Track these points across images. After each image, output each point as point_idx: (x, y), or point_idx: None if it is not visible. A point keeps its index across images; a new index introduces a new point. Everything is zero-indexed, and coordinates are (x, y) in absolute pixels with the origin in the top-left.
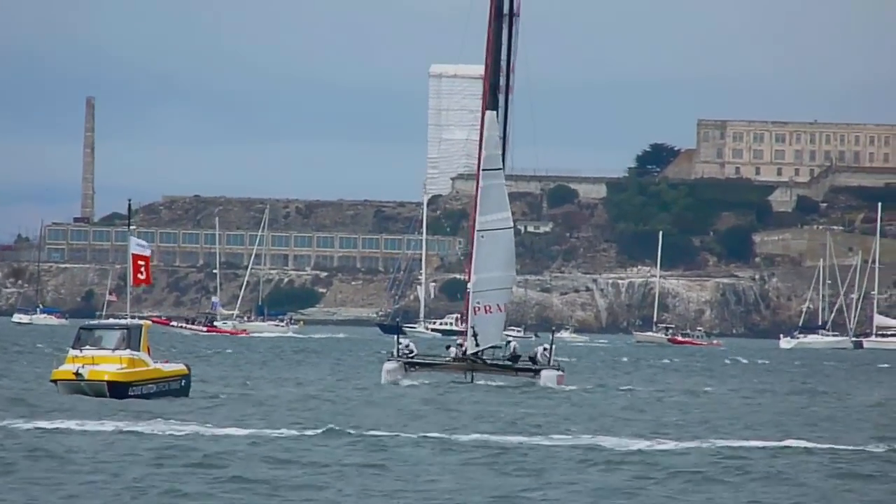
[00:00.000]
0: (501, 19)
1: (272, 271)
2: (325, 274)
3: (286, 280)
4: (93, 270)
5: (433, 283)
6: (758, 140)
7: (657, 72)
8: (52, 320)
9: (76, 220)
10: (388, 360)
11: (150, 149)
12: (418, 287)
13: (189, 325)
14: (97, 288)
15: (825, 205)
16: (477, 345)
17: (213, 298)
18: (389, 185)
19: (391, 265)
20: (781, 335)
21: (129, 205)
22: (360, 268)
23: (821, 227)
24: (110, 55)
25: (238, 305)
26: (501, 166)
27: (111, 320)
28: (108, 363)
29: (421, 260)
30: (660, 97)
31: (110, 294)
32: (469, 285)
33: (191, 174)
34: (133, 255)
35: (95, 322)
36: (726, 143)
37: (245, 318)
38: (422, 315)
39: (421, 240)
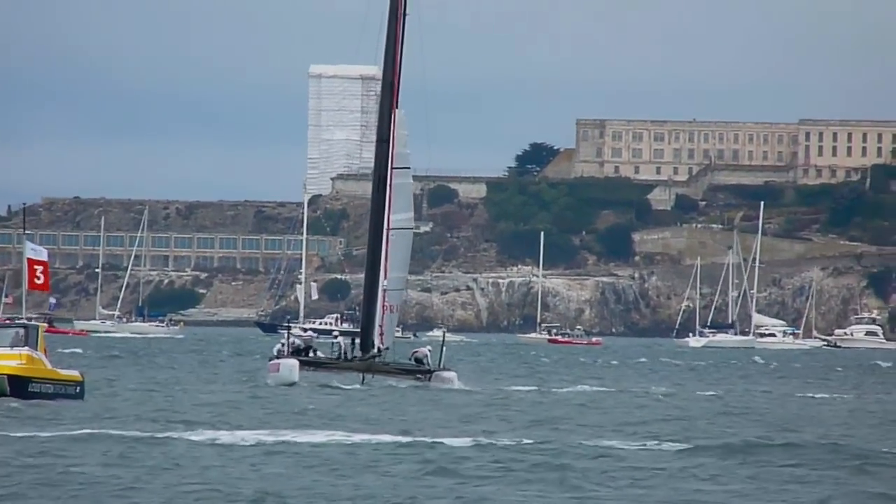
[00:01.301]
0: (399, 19)
1: (152, 272)
2: (205, 275)
3: (166, 281)
4: None
5: (314, 283)
6: (636, 139)
7: (536, 72)
8: None
9: None
10: (278, 356)
11: (28, 150)
12: (298, 287)
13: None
14: None
15: (704, 203)
16: (382, 344)
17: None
18: (270, 185)
19: (271, 265)
20: (690, 334)
21: (24, 209)
22: (241, 268)
23: (700, 225)
24: None
25: (118, 307)
26: (409, 165)
27: (6, 320)
28: (7, 359)
29: (301, 260)
30: (539, 97)
31: (6, 297)
32: (384, 282)
33: (70, 175)
34: (29, 259)
35: None
36: (605, 143)
37: (125, 320)
38: (301, 315)
39: (301, 240)
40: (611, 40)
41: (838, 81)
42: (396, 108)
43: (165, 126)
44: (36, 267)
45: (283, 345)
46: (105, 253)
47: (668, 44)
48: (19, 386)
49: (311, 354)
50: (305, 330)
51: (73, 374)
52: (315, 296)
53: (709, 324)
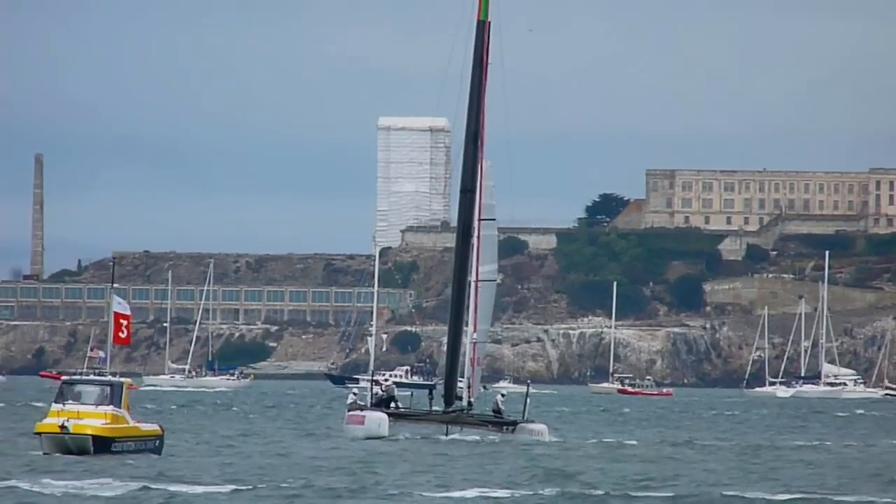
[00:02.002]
0: (482, 70)
1: (222, 326)
2: (275, 328)
3: (237, 334)
4: (43, 328)
5: (384, 336)
6: (707, 189)
7: (606, 123)
8: None
9: (25, 277)
10: (357, 407)
11: (99, 205)
12: (368, 339)
13: None
14: (47, 345)
15: (775, 253)
16: (471, 397)
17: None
18: (339, 238)
19: (341, 318)
20: (778, 384)
21: (113, 264)
22: (311, 321)
23: (771, 275)
24: (58, 111)
25: (189, 360)
26: (495, 217)
27: (92, 376)
28: (92, 418)
29: (371, 312)
30: (609, 148)
31: (92, 350)
32: (473, 335)
33: (140, 230)
34: (115, 313)
35: (77, 377)
36: (675, 193)
37: (193, 374)
38: (371, 367)
39: (371, 292)
40: (680, 90)
41: None
42: (483, 158)
43: (234, 179)
44: (121, 321)
45: (356, 395)
46: (175, 307)
47: (737, 93)
48: (102, 445)
49: (392, 405)
50: (387, 379)
51: (154, 428)
52: (385, 348)
53: (781, 374)
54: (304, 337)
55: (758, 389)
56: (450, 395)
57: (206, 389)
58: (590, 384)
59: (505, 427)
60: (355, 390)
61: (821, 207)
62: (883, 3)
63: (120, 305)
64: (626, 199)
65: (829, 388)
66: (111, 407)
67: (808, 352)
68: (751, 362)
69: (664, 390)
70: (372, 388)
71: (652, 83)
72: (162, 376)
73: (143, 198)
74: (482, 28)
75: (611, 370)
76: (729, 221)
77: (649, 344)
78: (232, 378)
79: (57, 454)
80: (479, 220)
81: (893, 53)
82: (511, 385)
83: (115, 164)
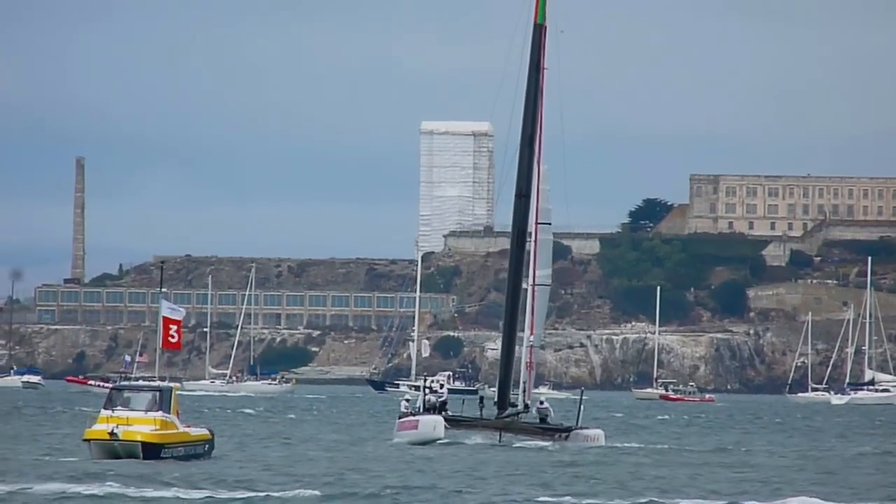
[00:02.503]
0: (538, 73)
1: (264, 330)
2: (317, 332)
3: (278, 339)
4: (84, 332)
5: (426, 341)
6: (751, 194)
7: (650, 127)
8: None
9: (66, 281)
10: (408, 412)
11: (140, 209)
12: (411, 345)
13: (105, 385)
14: (88, 349)
15: (819, 259)
16: (529, 401)
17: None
18: (381, 243)
19: (384, 323)
20: (831, 391)
21: (162, 269)
22: (353, 326)
23: (815, 281)
24: (100, 114)
25: (231, 365)
26: (551, 221)
27: (141, 382)
28: (142, 424)
29: (414, 317)
30: (652, 152)
31: (140, 356)
32: (530, 339)
33: (182, 234)
34: (164, 318)
35: (127, 383)
36: (719, 198)
37: (234, 379)
38: (413, 373)
39: (414, 297)
40: (724, 94)
41: None
42: (541, 162)
43: (276, 183)
44: (171, 326)
45: (408, 401)
46: (217, 311)
47: (781, 98)
48: (152, 452)
49: (444, 412)
50: (442, 385)
51: (203, 432)
52: (427, 353)
53: (826, 381)
54: (345, 342)
55: (800, 395)
56: (503, 401)
57: (248, 394)
58: (634, 390)
59: (558, 434)
60: (408, 396)
61: (865, 213)
62: None
63: (170, 310)
64: (669, 203)
65: (884, 393)
66: (160, 413)
67: (852, 358)
68: (794, 368)
69: (706, 396)
70: (424, 395)
71: (696, 86)
72: (203, 381)
73: (185, 202)
74: (539, 31)
75: (654, 376)
76: (773, 227)
77: (692, 350)
78: (273, 383)
79: (107, 460)
80: (536, 223)
81: None
82: (550, 391)
83: (156, 168)
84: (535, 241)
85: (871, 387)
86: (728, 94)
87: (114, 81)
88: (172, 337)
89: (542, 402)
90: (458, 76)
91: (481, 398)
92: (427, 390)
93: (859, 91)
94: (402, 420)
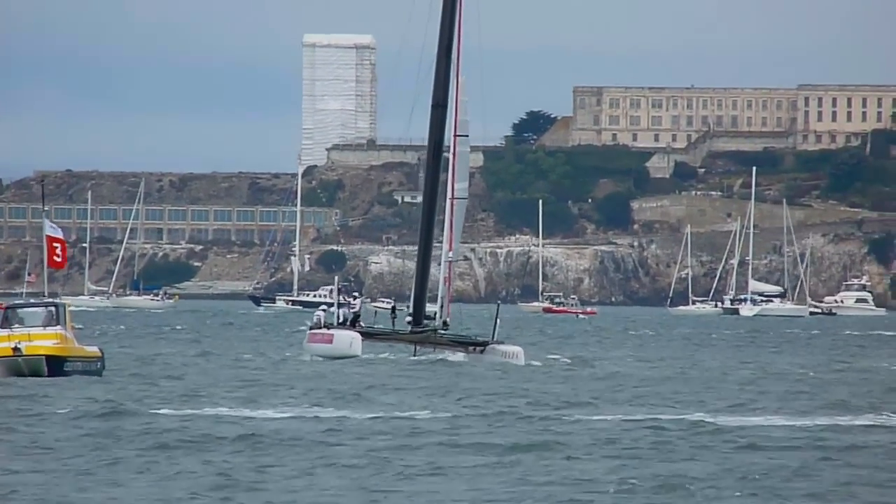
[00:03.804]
0: None
1: (146, 245)
2: (199, 247)
3: (161, 254)
4: None
5: (309, 256)
6: (634, 106)
7: (532, 40)
8: None
9: None
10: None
11: (19, 124)
12: (293, 259)
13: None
14: None
15: (703, 170)
16: (448, 317)
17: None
18: (264, 157)
19: (267, 238)
20: (742, 302)
21: (43, 186)
22: (236, 241)
23: (699, 193)
24: None
25: (113, 281)
26: (468, 133)
27: (33, 300)
28: (43, 339)
29: (296, 231)
30: (535, 65)
31: (29, 275)
32: (449, 254)
33: (62, 149)
34: (48, 237)
35: (21, 301)
36: (603, 110)
37: (114, 294)
38: (295, 287)
39: (296, 211)
40: (607, 6)
41: (837, 45)
42: (459, 73)
43: (157, 97)
44: (55, 245)
45: (322, 312)
46: (98, 226)
47: (664, 9)
48: (56, 366)
49: (358, 325)
50: (355, 298)
51: (95, 350)
52: (309, 267)
53: (712, 294)
54: (228, 256)
55: (681, 308)
56: (419, 315)
57: (130, 309)
58: (519, 303)
59: (472, 347)
60: (323, 307)
61: (749, 124)
62: None
63: (52, 229)
64: (553, 116)
65: (796, 305)
66: (59, 327)
67: (736, 270)
68: (677, 280)
69: (588, 309)
70: (339, 307)
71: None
72: (82, 297)
73: (65, 117)
74: None
75: (540, 289)
76: (657, 139)
77: (577, 262)
78: (156, 298)
79: (10, 378)
80: (455, 136)
81: None
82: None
83: (36, 83)
84: (454, 154)
85: (780, 298)
86: (611, 5)
87: None
88: (58, 256)
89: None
90: None
91: (393, 308)
92: (343, 305)
93: (745, 1)
94: (315, 332)
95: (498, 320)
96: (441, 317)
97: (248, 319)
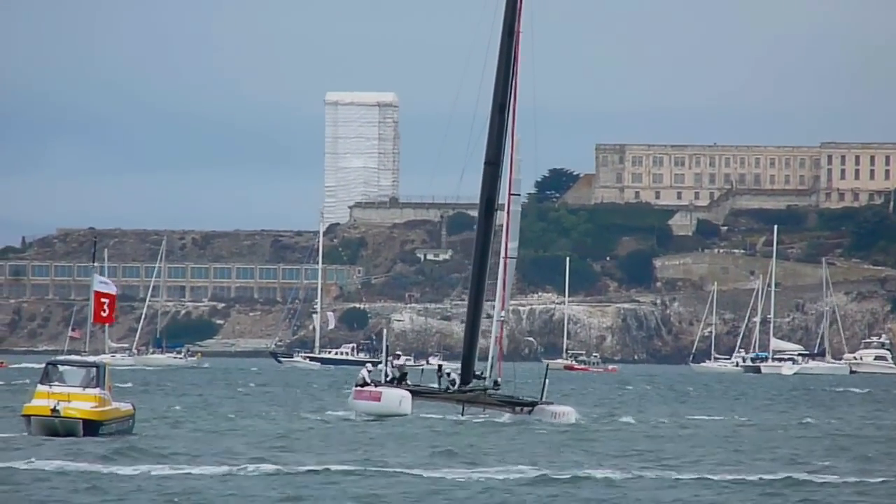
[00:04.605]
0: (511, 38)
1: (169, 303)
2: (222, 305)
3: (183, 312)
4: None
5: (331, 313)
6: (657, 164)
7: (556, 97)
8: None
9: None
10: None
11: (42, 181)
12: (315, 316)
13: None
14: None
15: (726, 228)
16: (500, 377)
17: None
18: (287, 214)
19: (289, 295)
20: (781, 361)
21: (95, 242)
22: (258, 298)
23: (722, 250)
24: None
25: (136, 338)
26: (521, 192)
27: (76, 357)
28: (82, 401)
29: (317, 289)
30: (559, 122)
31: (72, 331)
32: (501, 313)
33: (85, 207)
34: (96, 292)
35: (62, 358)
36: (625, 168)
37: (136, 352)
38: (317, 345)
39: (318, 269)
40: (630, 64)
41: (860, 104)
42: (515, 131)
43: (180, 155)
44: (103, 300)
45: (369, 371)
46: (121, 284)
47: (687, 67)
48: (92, 429)
49: (405, 383)
50: (398, 356)
51: (128, 408)
52: (332, 325)
53: (737, 350)
54: (251, 314)
55: (703, 364)
56: (467, 374)
57: (153, 368)
58: (544, 360)
59: (520, 408)
60: (369, 366)
61: (772, 182)
62: None
63: (102, 284)
64: (576, 174)
65: (835, 363)
66: (98, 389)
67: (759, 328)
68: (699, 338)
69: (609, 367)
70: (387, 364)
71: (601, 58)
72: (103, 356)
73: (89, 175)
74: None
75: (564, 347)
76: (679, 196)
77: (599, 320)
78: (179, 356)
79: (46, 437)
80: (510, 194)
81: (844, 27)
82: (444, 363)
83: (59, 140)
84: (508, 212)
85: (820, 357)
86: (634, 63)
87: (14, 53)
88: (104, 311)
89: (448, 373)
90: (365, 46)
91: (440, 367)
92: (387, 361)
93: (764, 58)
94: (363, 389)
95: (546, 381)
96: (491, 376)
97: (272, 376)
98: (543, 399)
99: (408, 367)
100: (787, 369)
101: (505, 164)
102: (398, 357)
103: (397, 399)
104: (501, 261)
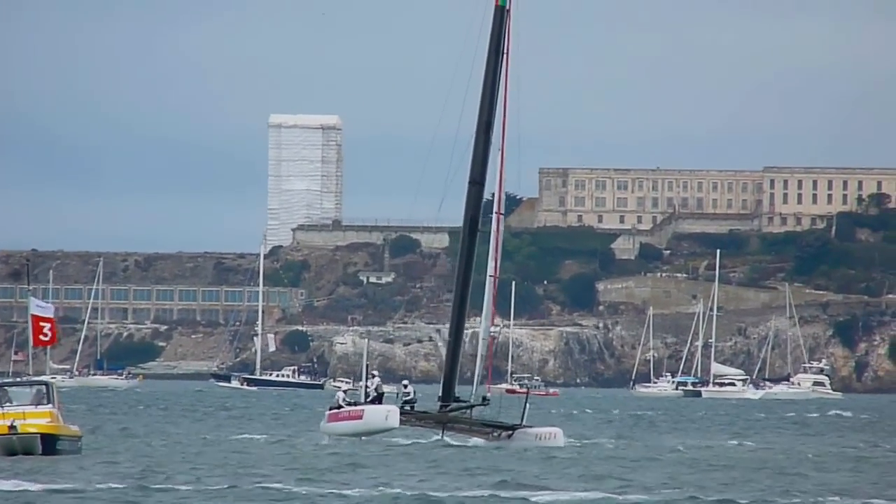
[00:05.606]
0: (496, 59)
1: (111, 325)
2: (164, 327)
3: (125, 334)
4: None
5: (272, 335)
6: (600, 188)
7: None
8: None
9: None
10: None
11: None
12: (256, 339)
13: None
14: None
15: (668, 252)
16: (483, 396)
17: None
18: (230, 237)
19: (232, 317)
20: (750, 385)
21: (28, 265)
22: (201, 320)
23: (664, 274)
24: None
25: (77, 360)
26: (503, 211)
27: (24, 378)
28: (37, 417)
29: (259, 312)
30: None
31: (16, 353)
32: (491, 330)
33: (27, 228)
34: (33, 315)
35: (10, 380)
36: (568, 192)
37: (77, 373)
38: (258, 367)
39: (259, 291)
40: (574, 90)
41: (802, 128)
42: (504, 151)
43: (123, 177)
44: (42, 324)
45: (345, 393)
46: (63, 306)
47: (630, 92)
48: (50, 444)
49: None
50: (374, 375)
51: (76, 429)
52: (273, 347)
53: (679, 374)
54: (193, 336)
55: (640, 388)
56: (448, 394)
57: (95, 388)
58: (486, 384)
59: (500, 432)
60: (344, 388)
61: (714, 206)
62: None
63: (40, 308)
64: (519, 197)
65: (798, 388)
66: (50, 406)
67: (701, 352)
68: (640, 362)
69: (550, 391)
70: (367, 385)
71: (542, 83)
72: (44, 377)
73: (30, 196)
74: (501, 14)
75: (508, 370)
76: (622, 220)
77: (542, 343)
78: (120, 378)
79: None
80: (498, 214)
81: (783, 51)
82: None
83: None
84: (497, 231)
85: (784, 382)
86: (577, 88)
87: None
88: (45, 335)
89: (405, 386)
90: (308, 68)
91: (405, 386)
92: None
93: (708, 83)
94: (334, 412)
95: (527, 405)
96: (477, 393)
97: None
98: (524, 423)
99: (383, 388)
100: (751, 394)
101: (494, 182)
102: (374, 377)
103: (383, 414)
104: (489, 279)
